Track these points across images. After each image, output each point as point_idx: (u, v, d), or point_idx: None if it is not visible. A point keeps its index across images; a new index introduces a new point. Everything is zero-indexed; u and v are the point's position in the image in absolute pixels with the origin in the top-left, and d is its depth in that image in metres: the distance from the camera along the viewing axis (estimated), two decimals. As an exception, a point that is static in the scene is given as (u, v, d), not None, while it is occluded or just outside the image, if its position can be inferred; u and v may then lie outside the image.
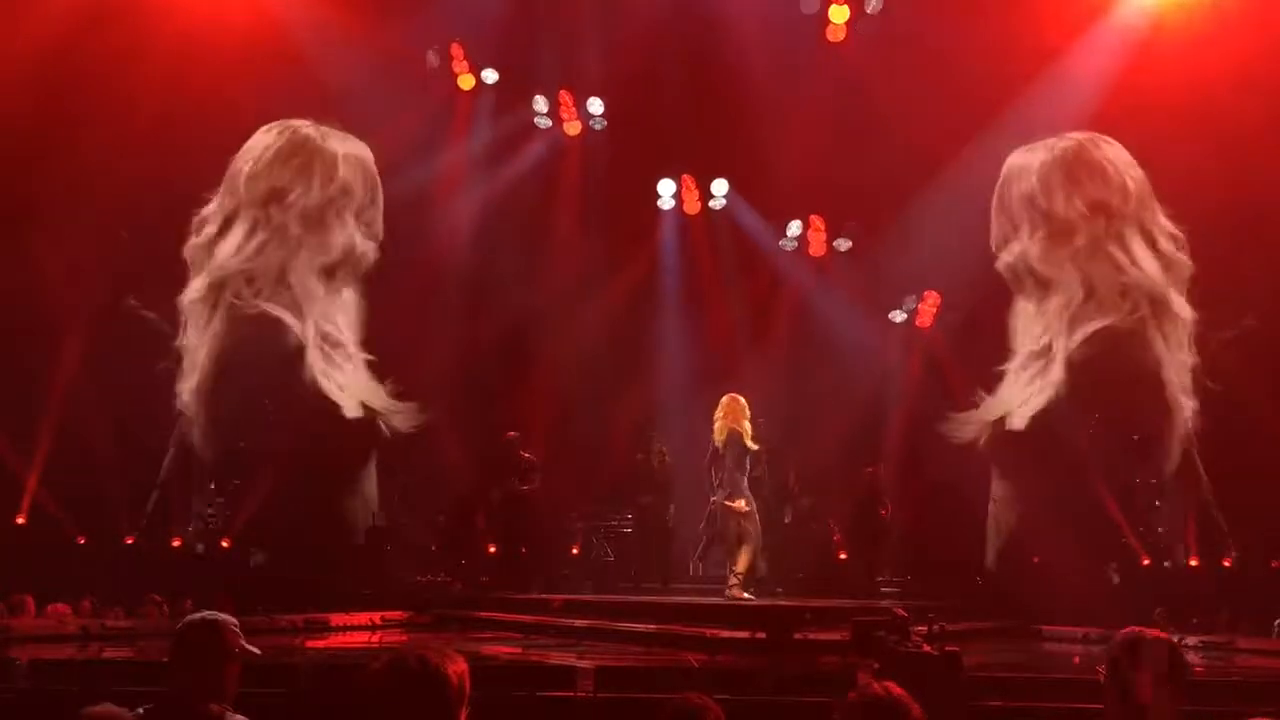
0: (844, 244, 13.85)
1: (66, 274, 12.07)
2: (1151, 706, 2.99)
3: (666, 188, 13.94)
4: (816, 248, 13.92)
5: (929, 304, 13.77)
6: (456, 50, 13.61)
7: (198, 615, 3.28)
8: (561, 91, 13.75)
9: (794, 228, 13.85)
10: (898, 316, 13.79)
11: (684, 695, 2.71)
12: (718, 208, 14.06)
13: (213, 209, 13.22)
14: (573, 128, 13.87)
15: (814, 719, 2.77)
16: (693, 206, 14.11)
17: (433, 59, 13.52)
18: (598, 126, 13.83)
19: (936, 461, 12.99)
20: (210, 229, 13.21)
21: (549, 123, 13.86)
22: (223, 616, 3.26)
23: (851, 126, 12.70)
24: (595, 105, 13.72)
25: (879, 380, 13.41)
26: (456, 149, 13.83)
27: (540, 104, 13.77)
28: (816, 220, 13.79)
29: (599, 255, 13.63)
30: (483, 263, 13.53)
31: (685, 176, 14.01)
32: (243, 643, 3.21)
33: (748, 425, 10.36)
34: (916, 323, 13.80)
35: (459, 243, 13.69)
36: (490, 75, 13.70)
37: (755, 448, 10.43)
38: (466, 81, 13.71)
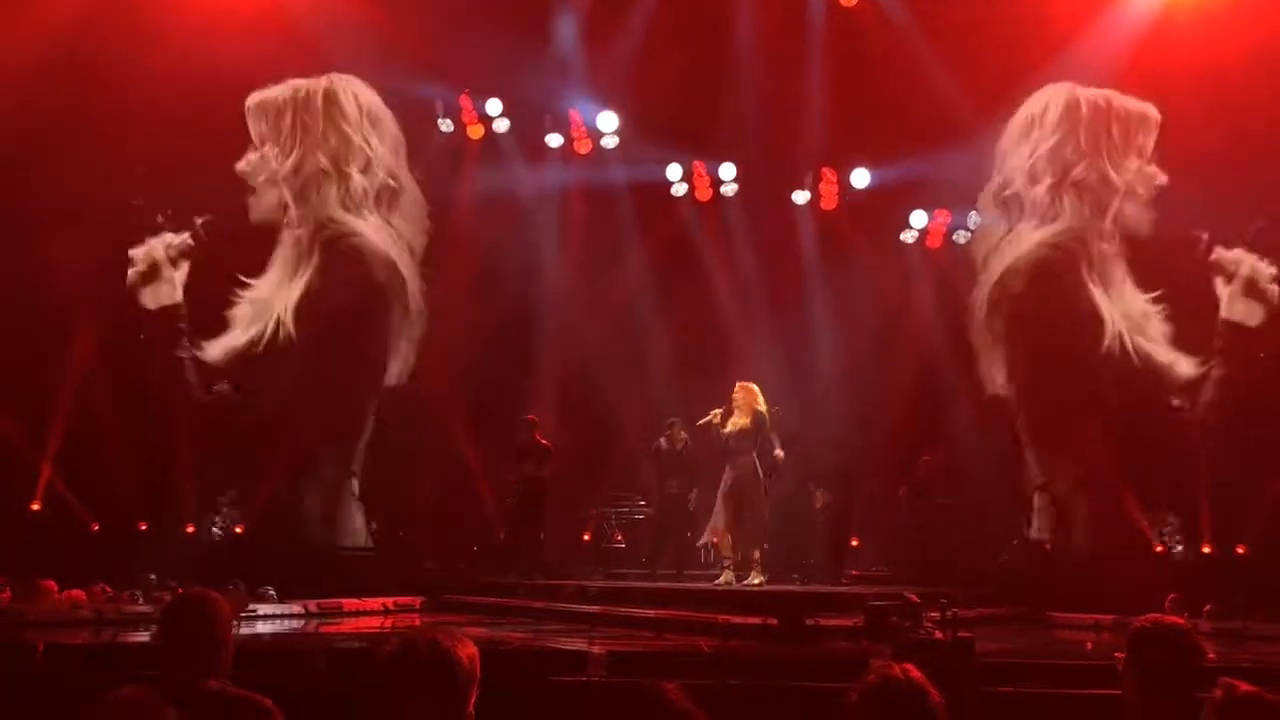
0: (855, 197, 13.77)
1: (80, 261, 12.10)
2: (1169, 693, 2.99)
3: (674, 172, 13.89)
4: (829, 200, 13.84)
5: (939, 222, 13.71)
6: (465, 101, 13.59)
7: (183, 593, 3.27)
8: (570, 111, 13.69)
9: (804, 193, 13.82)
10: (909, 236, 13.74)
11: (663, 689, 2.57)
12: (729, 194, 14.00)
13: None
14: (583, 146, 13.82)
15: (826, 704, 2.76)
16: (704, 193, 14.06)
17: (440, 114, 13.55)
18: (610, 145, 13.78)
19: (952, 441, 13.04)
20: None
21: (560, 140, 13.82)
22: (208, 592, 3.24)
23: (862, 87, 12.68)
24: (607, 122, 13.63)
25: (900, 349, 13.38)
26: (468, 170, 13.88)
27: (546, 121, 13.72)
28: (828, 173, 13.70)
29: (611, 240, 13.61)
30: (494, 247, 13.52)
31: (696, 164, 13.95)
32: (232, 617, 3.21)
33: None
34: (927, 243, 13.76)
35: (471, 229, 13.71)
36: (502, 124, 13.71)
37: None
38: (476, 131, 13.78)
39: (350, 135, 13.73)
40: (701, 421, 10.65)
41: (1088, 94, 13.36)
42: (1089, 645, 8.66)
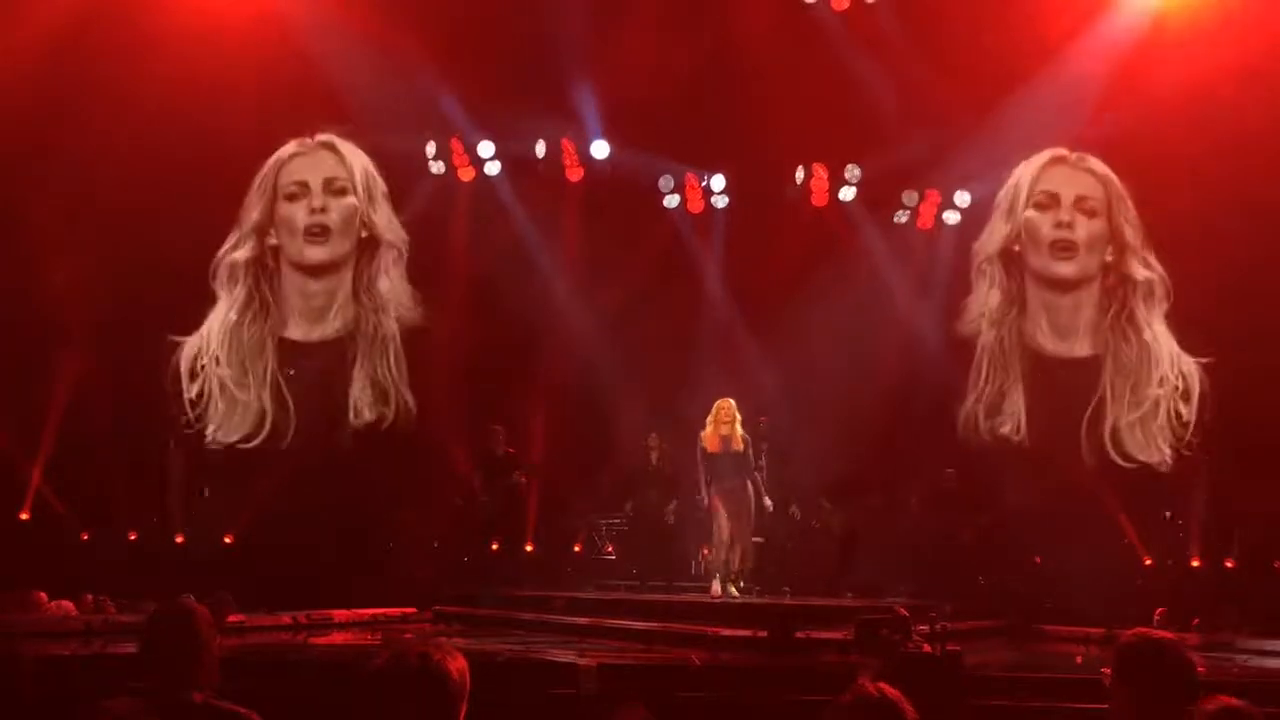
0: (849, 193, 13.72)
1: (70, 271, 12.09)
2: (1156, 708, 3.00)
3: (666, 183, 13.93)
4: (819, 198, 13.83)
5: (930, 203, 13.67)
6: (456, 145, 13.62)
7: (166, 605, 3.24)
8: (563, 140, 13.71)
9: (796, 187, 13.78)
10: (901, 217, 13.68)
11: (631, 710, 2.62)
12: (720, 205, 14.02)
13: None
14: (574, 173, 13.85)
15: (815, 718, 2.77)
16: (696, 205, 14.09)
17: (430, 150, 13.60)
18: (602, 176, 13.81)
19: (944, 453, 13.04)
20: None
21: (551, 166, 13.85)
22: (191, 604, 3.23)
23: (855, 90, 12.74)
24: (600, 149, 13.67)
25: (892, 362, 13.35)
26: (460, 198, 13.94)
27: (540, 149, 13.72)
28: (819, 169, 13.69)
29: (602, 252, 13.63)
30: (486, 266, 13.55)
31: (689, 175, 13.99)
32: (216, 628, 3.19)
33: None
34: (918, 225, 13.75)
35: (464, 248, 13.77)
36: (494, 167, 13.74)
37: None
38: (467, 174, 13.79)
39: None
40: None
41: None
42: (1078, 659, 8.68)
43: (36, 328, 12.22)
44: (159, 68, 11.79)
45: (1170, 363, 13.04)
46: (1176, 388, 12.97)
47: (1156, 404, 12.99)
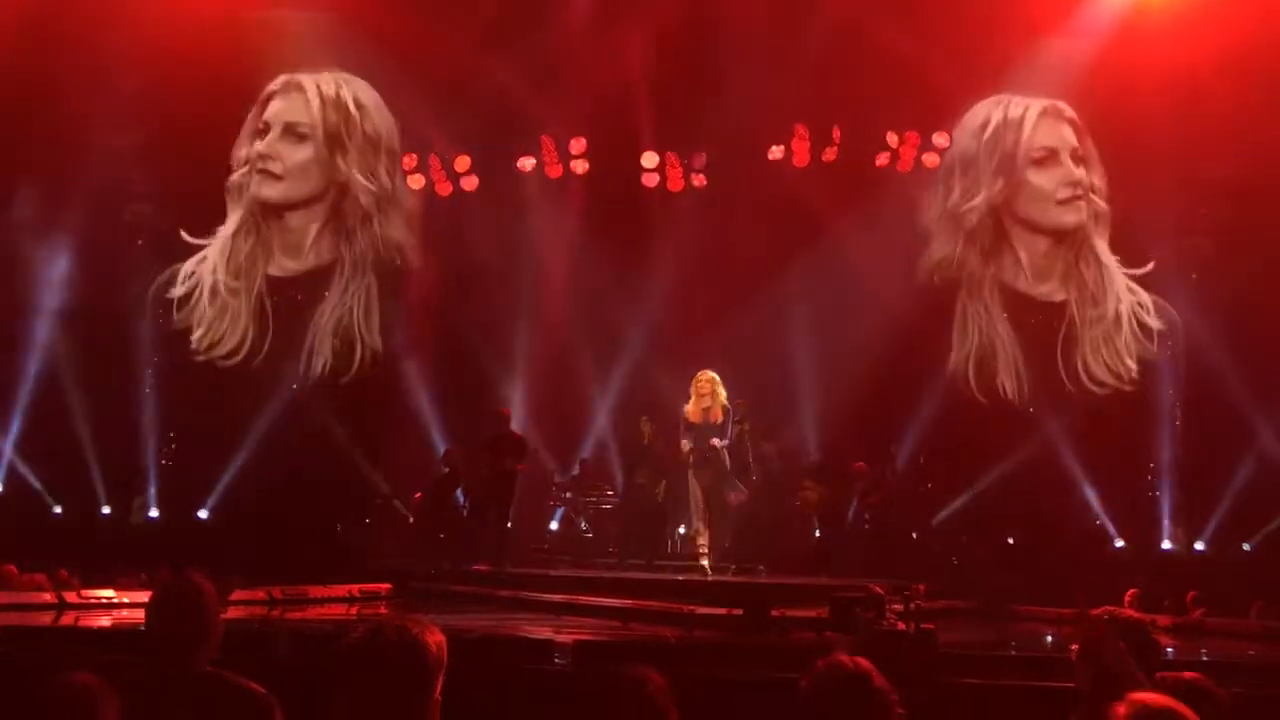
0: (830, 152, 13.68)
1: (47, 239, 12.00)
2: (1122, 685, 3.04)
3: (650, 160, 13.90)
4: (800, 158, 13.77)
5: (910, 145, 13.64)
6: (434, 161, 13.75)
7: (174, 579, 3.20)
8: (543, 137, 13.72)
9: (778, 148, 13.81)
10: (881, 159, 13.69)
11: (636, 671, 2.66)
12: (699, 183, 14.00)
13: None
14: (554, 171, 13.89)
15: (789, 694, 2.79)
16: (676, 184, 14.05)
17: (412, 169, 13.77)
18: (580, 170, 13.82)
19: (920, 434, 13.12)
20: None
21: (533, 162, 13.91)
22: (199, 578, 3.19)
23: (839, 61, 12.78)
24: (578, 146, 13.71)
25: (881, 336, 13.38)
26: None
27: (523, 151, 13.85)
28: (801, 130, 13.63)
29: (585, 233, 13.61)
30: (468, 245, 13.54)
31: (669, 154, 13.94)
32: (220, 606, 3.19)
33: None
34: (898, 168, 13.70)
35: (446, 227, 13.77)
36: (470, 182, 13.83)
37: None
38: (444, 189, 13.93)
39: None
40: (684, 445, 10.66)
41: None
42: (1049, 638, 8.77)
43: (9, 298, 12.12)
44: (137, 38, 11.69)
45: (1124, 283, 13.44)
46: (1137, 304, 13.35)
47: (1118, 319, 13.34)
